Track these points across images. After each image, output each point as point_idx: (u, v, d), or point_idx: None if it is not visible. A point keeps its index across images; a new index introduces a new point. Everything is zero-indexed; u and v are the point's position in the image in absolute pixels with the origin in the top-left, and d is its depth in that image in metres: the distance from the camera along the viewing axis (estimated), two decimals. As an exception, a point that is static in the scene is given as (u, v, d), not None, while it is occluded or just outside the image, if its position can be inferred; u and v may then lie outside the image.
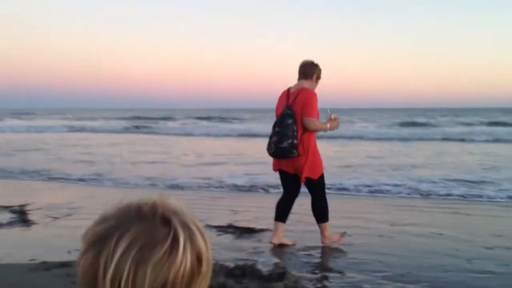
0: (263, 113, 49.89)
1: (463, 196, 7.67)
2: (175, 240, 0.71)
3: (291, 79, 4.99)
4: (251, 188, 8.50)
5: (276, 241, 4.91)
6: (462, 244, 4.99)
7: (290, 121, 4.61)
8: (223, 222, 5.83)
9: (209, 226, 5.56)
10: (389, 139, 21.24)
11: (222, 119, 44.02)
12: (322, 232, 4.90)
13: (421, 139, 21.18)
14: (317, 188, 4.82)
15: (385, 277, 4.09)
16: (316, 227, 4.98)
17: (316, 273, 4.26)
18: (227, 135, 25.12)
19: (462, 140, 20.30)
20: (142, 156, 13.98)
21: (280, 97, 4.85)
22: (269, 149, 4.74)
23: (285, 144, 4.59)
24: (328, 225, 4.92)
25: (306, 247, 4.97)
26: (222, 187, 8.72)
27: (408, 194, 7.95)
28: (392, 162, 11.98)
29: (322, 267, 4.49)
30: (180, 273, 0.70)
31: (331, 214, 4.93)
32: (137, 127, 32.46)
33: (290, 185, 4.90)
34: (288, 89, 4.83)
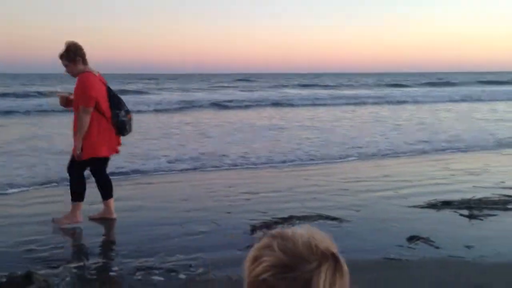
0: None
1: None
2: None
3: None
4: None
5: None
6: (165, 212, 5.67)
7: None
8: None
9: None
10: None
11: None
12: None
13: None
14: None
15: (124, 255, 4.37)
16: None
17: (55, 267, 4.10)
18: None
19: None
20: None
21: (95, 79, 5.01)
22: (130, 128, 5.22)
23: None
24: (76, 205, 5.21)
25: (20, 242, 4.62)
26: None
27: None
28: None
29: (62, 259, 4.33)
30: None
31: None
32: None
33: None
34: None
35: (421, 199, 6.27)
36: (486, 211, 5.68)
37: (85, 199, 5.29)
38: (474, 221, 5.37)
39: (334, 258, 0.92)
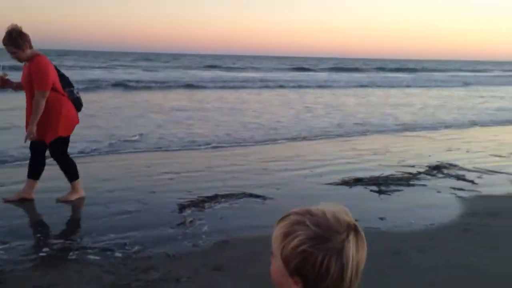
0: None
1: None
2: None
3: None
4: None
5: None
6: (87, 192, 5.56)
7: None
8: None
9: None
10: None
11: None
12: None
13: None
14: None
15: (53, 236, 4.30)
16: None
17: None
18: None
19: None
20: None
21: (49, 61, 4.97)
22: (80, 104, 5.38)
23: None
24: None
25: None
26: None
27: None
28: None
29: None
30: None
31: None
32: None
33: None
34: None
35: (334, 177, 6.74)
36: (392, 187, 6.28)
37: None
38: (383, 196, 5.92)
39: (356, 229, 1.09)
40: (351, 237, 1.07)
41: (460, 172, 7.11)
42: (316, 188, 6.27)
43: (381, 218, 5.00)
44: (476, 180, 6.67)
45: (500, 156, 8.51)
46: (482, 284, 3.56)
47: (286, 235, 1.10)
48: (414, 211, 5.32)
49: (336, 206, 1.14)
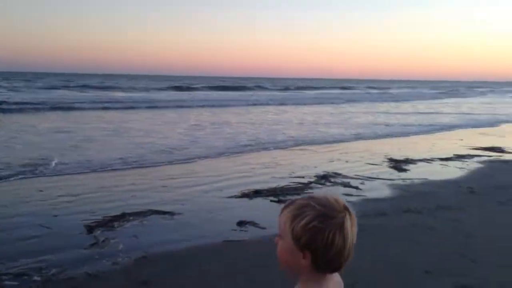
0: None
1: None
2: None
3: None
4: None
5: None
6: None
7: None
8: None
9: None
10: None
11: None
12: None
13: None
14: None
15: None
16: None
17: None
18: None
19: None
20: None
21: None
22: None
23: None
24: None
25: None
26: None
27: None
28: None
29: None
30: None
31: None
32: None
33: None
34: None
35: (234, 190, 7.08)
36: (289, 196, 6.77)
37: None
38: (283, 205, 6.37)
39: (349, 210, 1.40)
40: (347, 215, 1.38)
41: (345, 180, 7.88)
42: (219, 201, 6.54)
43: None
44: (360, 186, 7.46)
45: (374, 164, 9.53)
46: (391, 277, 4.10)
47: (295, 216, 1.37)
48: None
49: (331, 193, 1.45)
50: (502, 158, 10.46)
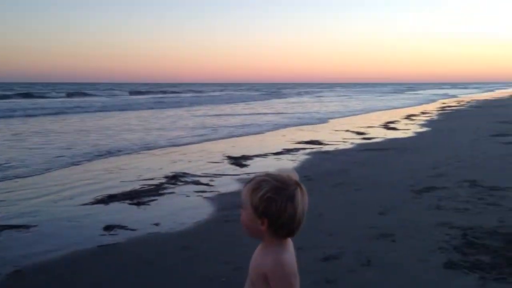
0: None
1: None
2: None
3: None
4: None
5: None
6: None
7: None
8: None
9: None
10: None
11: None
12: None
13: None
14: None
15: None
16: None
17: None
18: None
19: None
20: None
21: None
22: None
23: None
24: None
25: None
26: None
27: None
28: None
29: None
30: None
31: None
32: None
33: None
34: None
35: (86, 197, 6.92)
36: (146, 198, 6.87)
37: None
38: (143, 207, 6.47)
39: (300, 184, 1.73)
40: (298, 188, 1.72)
41: (195, 179, 8.23)
42: (74, 209, 6.34)
43: (156, 224, 5.57)
44: (211, 183, 7.89)
45: (216, 162, 10.05)
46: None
47: (254, 189, 1.69)
48: (179, 214, 6.07)
49: (287, 169, 1.78)
50: (322, 149, 11.89)
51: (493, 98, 46.53)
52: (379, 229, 5.12)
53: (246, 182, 1.73)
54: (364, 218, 5.63)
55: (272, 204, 1.64)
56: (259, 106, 34.63)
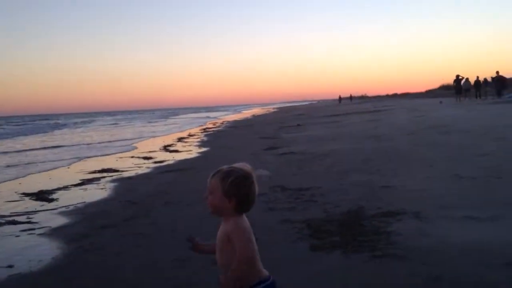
0: None
1: None
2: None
3: None
4: None
5: None
6: None
7: None
8: None
9: None
10: None
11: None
12: None
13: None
14: None
15: None
16: None
17: None
18: None
19: None
20: None
21: None
22: None
23: None
24: None
25: None
26: None
27: None
28: None
29: None
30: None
31: None
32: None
33: None
34: None
35: None
36: None
37: None
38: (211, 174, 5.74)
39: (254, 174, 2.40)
40: (254, 177, 2.39)
41: (6, 219, 7.52)
42: None
43: (10, 266, 5.13)
44: (32, 220, 7.35)
45: (14, 201, 9.22)
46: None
47: (225, 177, 2.32)
48: (25, 254, 5.63)
49: (243, 164, 2.43)
50: (123, 175, 11.90)
51: (242, 118, 52.10)
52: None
53: (212, 174, 2.35)
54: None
55: (241, 187, 2.30)
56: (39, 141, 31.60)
